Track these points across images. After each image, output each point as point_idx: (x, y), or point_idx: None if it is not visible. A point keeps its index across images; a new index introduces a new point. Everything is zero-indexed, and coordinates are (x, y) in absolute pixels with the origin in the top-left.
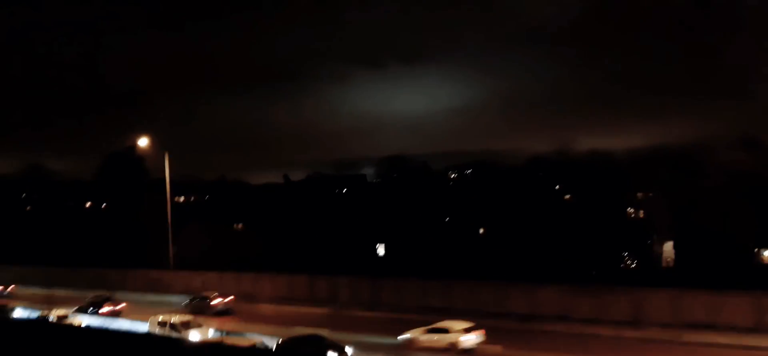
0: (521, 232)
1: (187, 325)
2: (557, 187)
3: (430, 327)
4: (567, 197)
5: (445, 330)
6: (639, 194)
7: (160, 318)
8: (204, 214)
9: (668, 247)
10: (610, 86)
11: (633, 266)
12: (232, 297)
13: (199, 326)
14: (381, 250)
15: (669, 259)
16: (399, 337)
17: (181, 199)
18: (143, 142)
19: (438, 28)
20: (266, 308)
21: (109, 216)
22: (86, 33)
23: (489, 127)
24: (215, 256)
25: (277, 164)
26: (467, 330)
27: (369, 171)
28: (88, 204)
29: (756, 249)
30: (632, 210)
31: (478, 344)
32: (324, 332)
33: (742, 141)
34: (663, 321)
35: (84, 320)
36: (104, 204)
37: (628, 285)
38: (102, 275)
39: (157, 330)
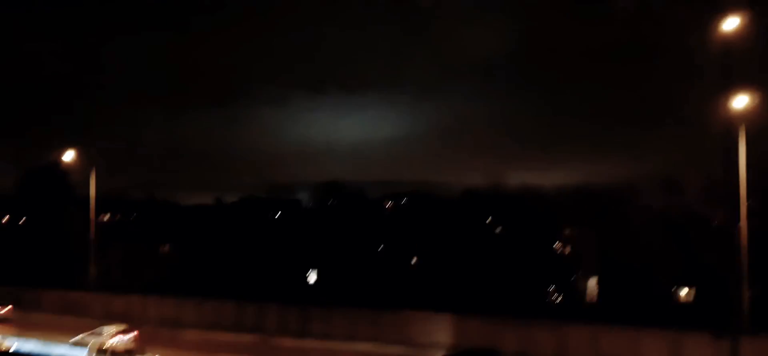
0: (453, 263)
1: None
2: (489, 220)
3: (92, 330)
4: (498, 229)
5: (101, 333)
6: (566, 230)
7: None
8: (130, 234)
9: (592, 283)
10: (542, 122)
11: (558, 300)
12: (9, 307)
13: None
14: (312, 277)
15: (593, 295)
16: (71, 340)
17: (107, 217)
18: (69, 156)
19: (379, 59)
20: (190, 334)
21: (28, 232)
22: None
23: (426, 158)
24: (140, 278)
25: (209, 186)
26: (121, 332)
27: (304, 196)
28: (5, 219)
29: (674, 288)
30: (560, 245)
31: (130, 344)
32: None
33: (663, 183)
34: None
35: None
36: (23, 219)
37: (554, 319)
38: (12, 293)
39: None
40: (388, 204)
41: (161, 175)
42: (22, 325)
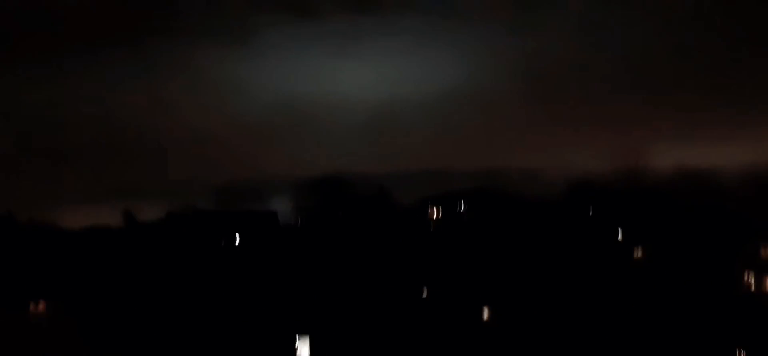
0: (558, 313)
1: None
2: (621, 235)
3: None
4: (638, 252)
5: None
6: (765, 249)
7: None
8: None
9: None
10: (715, 57)
11: None
12: None
13: None
14: (304, 349)
15: None
16: None
17: None
18: None
19: None
20: None
21: None
22: None
23: (503, 127)
24: None
25: (109, 193)
26: None
27: (283, 205)
28: None
29: None
30: (752, 276)
31: None
32: None
33: None
34: None
35: None
36: None
37: None
38: None
39: None
40: (434, 213)
41: (22, 177)
42: None
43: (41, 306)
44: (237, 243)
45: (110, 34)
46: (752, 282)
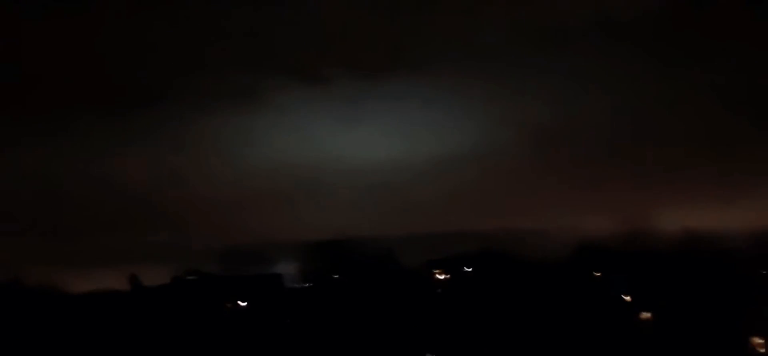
0: None
1: None
2: (628, 298)
3: None
4: (645, 315)
5: None
6: None
7: None
8: None
9: None
10: (723, 119)
11: None
12: None
13: None
14: None
15: None
16: None
17: None
18: None
19: (426, 22)
20: None
21: None
22: None
23: (508, 190)
24: None
25: (118, 257)
26: None
27: (288, 268)
28: None
29: None
30: (761, 342)
31: None
32: None
33: None
34: None
35: None
36: None
37: None
38: None
39: None
40: (441, 276)
41: (26, 241)
42: None
43: None
44: (242, 304)
45: (116, 100)
46: (760, 344)
